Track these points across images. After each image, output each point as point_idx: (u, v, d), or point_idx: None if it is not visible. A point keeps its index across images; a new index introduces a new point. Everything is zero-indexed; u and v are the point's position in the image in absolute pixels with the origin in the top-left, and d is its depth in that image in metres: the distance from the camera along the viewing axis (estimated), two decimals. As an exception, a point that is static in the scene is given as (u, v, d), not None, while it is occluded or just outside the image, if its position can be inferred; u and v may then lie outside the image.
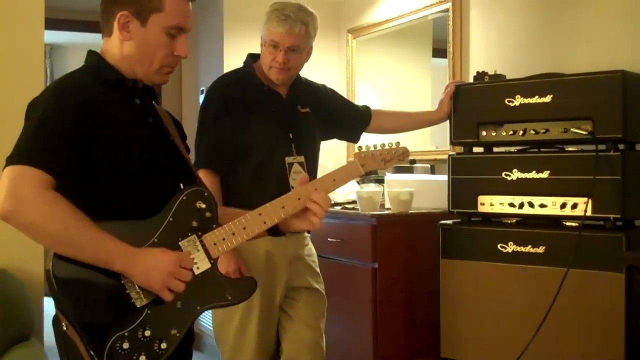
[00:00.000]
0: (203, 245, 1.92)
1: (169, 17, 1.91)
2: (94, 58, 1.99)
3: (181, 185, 2.02)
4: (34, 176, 1.70)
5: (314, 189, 2.07)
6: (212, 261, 1.92)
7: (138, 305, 1.80)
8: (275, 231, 2.09)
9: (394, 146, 2.27)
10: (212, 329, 2.99)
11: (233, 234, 1.96)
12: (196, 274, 1.90)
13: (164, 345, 1.81)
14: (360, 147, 2.25)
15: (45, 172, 1.71)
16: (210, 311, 3.49)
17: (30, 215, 1.69)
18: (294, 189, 2.09)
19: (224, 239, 1.95)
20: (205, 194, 1.96)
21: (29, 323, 3.18)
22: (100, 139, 1.82)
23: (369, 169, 2.25)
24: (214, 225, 1.95)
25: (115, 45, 1.95)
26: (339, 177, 2.21)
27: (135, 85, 1.98)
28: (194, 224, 1.92)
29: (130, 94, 1.97)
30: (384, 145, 2.27)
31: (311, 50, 2.93)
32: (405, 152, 2.29)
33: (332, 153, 4.52)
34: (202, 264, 1.91)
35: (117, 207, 1.85)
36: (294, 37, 2.79)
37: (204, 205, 1.94)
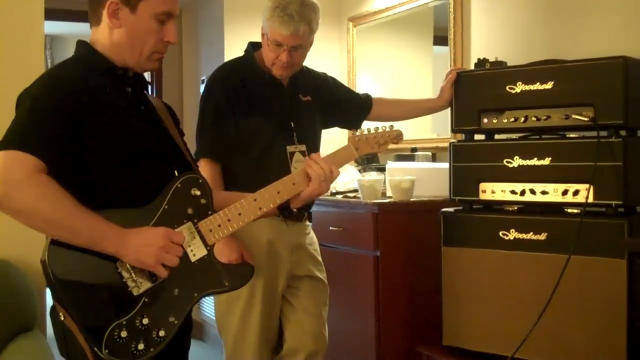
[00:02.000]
0: (199, 232, 1.92)
1: (158, 3, 1.91)
2: (84, 47, 1.99)
3: (175, 173, 2.02)
4: (25, 161, 1.70)
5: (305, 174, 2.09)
6: (208, 248, 1.93)
7: (135, 294, 1.81)
8: (285, 208, 2.10)
9: (387, 129, 2.27)
10: (214, 318, 3.00)
11: (229, 220, 1.97)
12: (192, 261, 1.90)
13: (162, 333, 1.82)
14: (354, 131, 2.25)
15: (36, 157, 1.71)
16: (212, 301, 3.51)
17: (21, 199, 1.69)
18: (289, 175, 2.09)
19: (219, 226, 1.95)
20: (200, 180, 1.96)
21: (32, 314, 3.18)
22: (93, 127, 1.82)
23: (363, 153, 2.26)
24: (210, 212, 1.95)
25: (105, 34, 1.95)
26: (333, 161, 2.21)
27: (126, 74, 1.97)
28: (190, 211, 1.93)
29: (121, 82, 1.97)
30: (377, 128, 2.27)
31: (313, 40, 2.92)
32: (399, 134, 2.29)
33: (333, 141, 4.50)
34: (198, 251, 1.91)
35: (112, 196, 1.86)
36: (298, 38, 2.76)
37: (198, 192, 1.94)
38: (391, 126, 2.30)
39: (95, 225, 1.76)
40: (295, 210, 2.26)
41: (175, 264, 1.84)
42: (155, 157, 1.97)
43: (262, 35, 2.86)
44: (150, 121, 2.01)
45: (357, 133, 2.25)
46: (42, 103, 1.78)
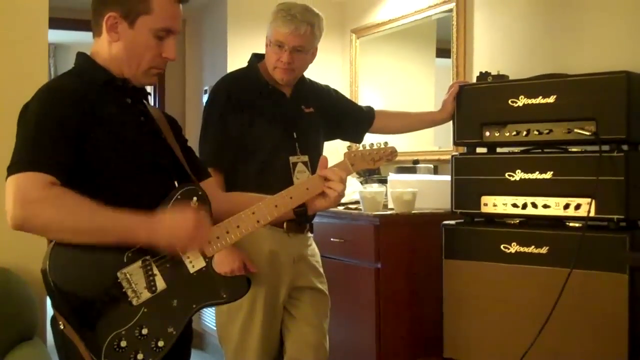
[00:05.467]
0: None
1: (157, 19, 1.91)
2: (83, 59, 1.99)
3: (175, 184, 2.02)
4: (38, 180, 1.71)
5: (305, 188, 2.09)
6: (207, 259, 1.93)
7: (135, 304, 1.81)
8: (301, 213, 2.11)
9: (382, 146, 2.28)
10: (215, 328, 2.99)
11: (227, 232, 1.97)
12: (191, 272, 1.91)
13: (160, 343, 1.82)
14: (349, 147, 2.27)
15: (48, 174, 1.72)
16: (213, 311, 3.51)
17: (43, 216, 1.70)
18: (287, 189, 2.09)
19: (218, 238, 1.95)
20: (200, 192, 1.96)
21: (32, 323, 3.18)
22: (93, 139, 1.82)
23: (358, 169, 2.27)
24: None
25: (104, 46, 1.95)
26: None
27: (126, 85, 1.97)
28: None
29: (121, 93, 1.97)
30: (372, 145, 2.28)
31: (316, 51, 2.94)
32: (393, 151, 2.30)
33: (335, 153, 4.50)
34: (197, 263, 1.91)
35: (112, 207, 1.85)
36: (299, 37, 2.79)
37: (198, 204, 1.94)
38: (385, 143, 2.31)
39: (122, 222, 1.77)
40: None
41: (205, 242, 1.88)
42: (154, 168, 1.97)
43: (266, 45, 2.88)
44: (150, 132, 2.01)
45: (353, 149, 2.26)
46: (44, 119, 1.78)
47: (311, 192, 2.10)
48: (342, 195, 2.12)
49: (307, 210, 2.13)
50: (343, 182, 2.11)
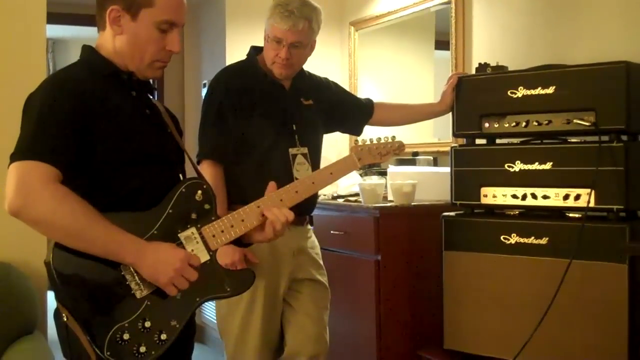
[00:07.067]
0: (202, 237, 1.93)
1: (159, 11, 1.91)
2: (89, 52, 1.99)
3: (180, 177, 2.02)
4: (41, 170, 1.71)
5: (311, 182, 2.10)
6: (211, 253, 1.94)
7: (138, 297, 1.82)
8: (238, 242, 2.10)
9: (389, 140, 2.28)
10: (215, 321, 3.00)
11: (232, 226, 1.98)
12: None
13: (163, 336, 1.82)
14: (356, 141, 2.27)
15: (51, 166, 1.72)
16: (213, 304, 3.51)
17: (39, 210, 1.70)
18: (292, 183, 2.10)
19: (222, 231, 1.96)
20: (204, 186, 1.97)
21: (33, 317, 3.19)
22: (99, 131, 1.82)
23: (365, 163, 2.28)
24: (213, 218, 1.96)
25: (109, 39, 1.95)
26: (335, 171, 2.24)
27: (131, 78, 1.97)
28: (193, 216, 1.93)
29: (126, 86, 1.97)
30: (380, 139, 2.28)
31: (314, 44, 2.93)
32: (400, 146, 2.30)
33: (335, 145, 4.52)
34: (201, 256, 1.92)
35: (117, 199, 1.86)
36: (297, 33, 2.78)
37: (202, 198, 1.95)
38: (393, 137, 2.31)
39: (113, 237, 1.77)
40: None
41: (185, 288, 1.85)
42: (160, 161, 1.97)
43: (265, 39, 2.88)
44: (156, 125, 2.02)
45: (360, 143, 2.26)
46: (50, 109, 1.78)
47: (316, 186, 2.14)
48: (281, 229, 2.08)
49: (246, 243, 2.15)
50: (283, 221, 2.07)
